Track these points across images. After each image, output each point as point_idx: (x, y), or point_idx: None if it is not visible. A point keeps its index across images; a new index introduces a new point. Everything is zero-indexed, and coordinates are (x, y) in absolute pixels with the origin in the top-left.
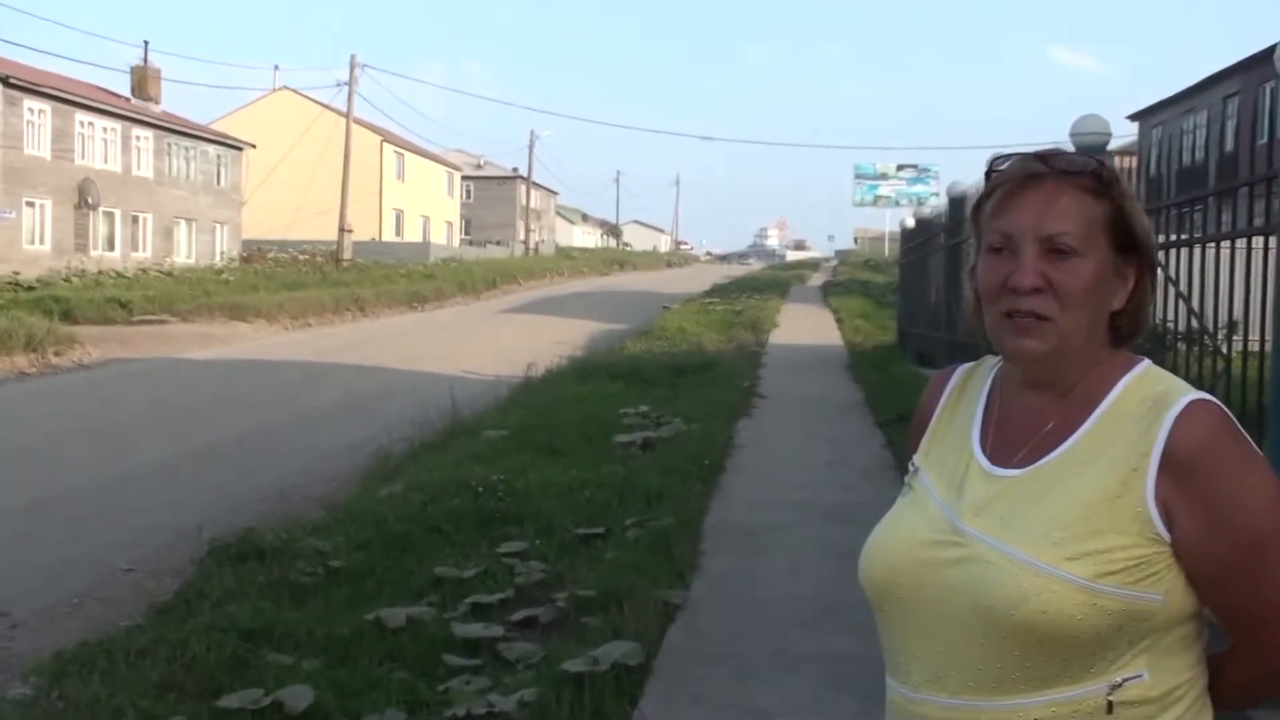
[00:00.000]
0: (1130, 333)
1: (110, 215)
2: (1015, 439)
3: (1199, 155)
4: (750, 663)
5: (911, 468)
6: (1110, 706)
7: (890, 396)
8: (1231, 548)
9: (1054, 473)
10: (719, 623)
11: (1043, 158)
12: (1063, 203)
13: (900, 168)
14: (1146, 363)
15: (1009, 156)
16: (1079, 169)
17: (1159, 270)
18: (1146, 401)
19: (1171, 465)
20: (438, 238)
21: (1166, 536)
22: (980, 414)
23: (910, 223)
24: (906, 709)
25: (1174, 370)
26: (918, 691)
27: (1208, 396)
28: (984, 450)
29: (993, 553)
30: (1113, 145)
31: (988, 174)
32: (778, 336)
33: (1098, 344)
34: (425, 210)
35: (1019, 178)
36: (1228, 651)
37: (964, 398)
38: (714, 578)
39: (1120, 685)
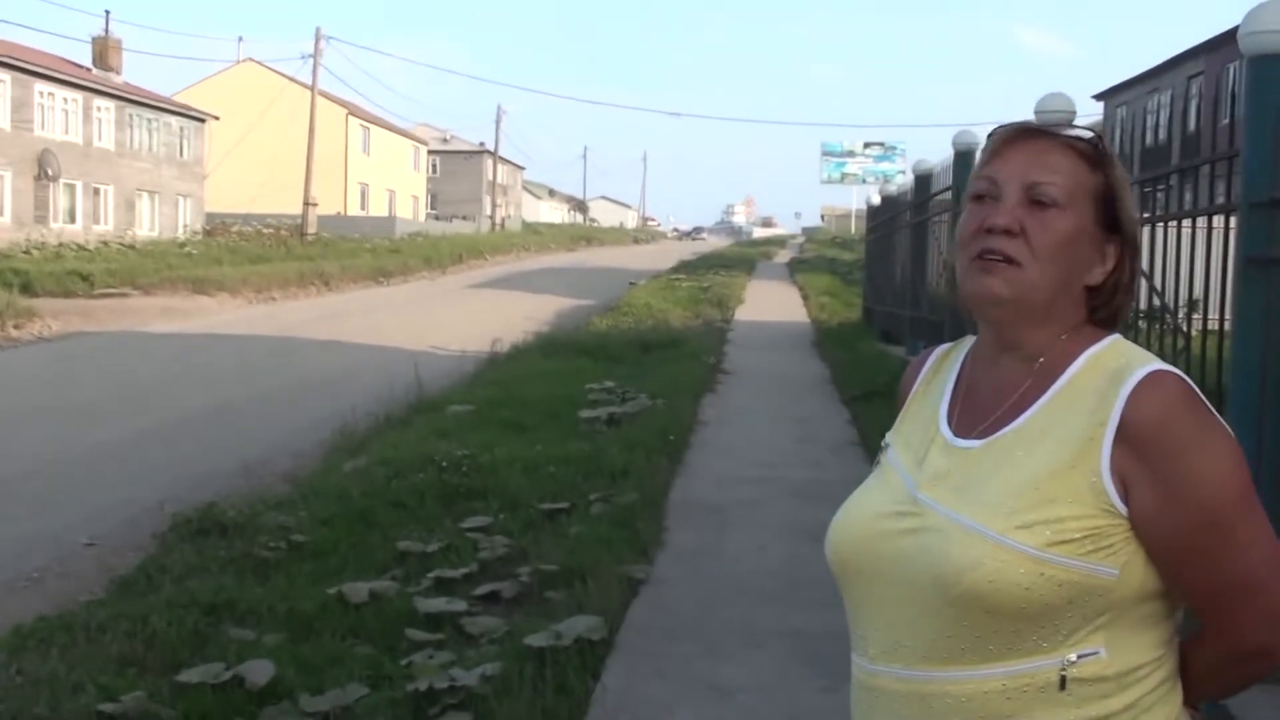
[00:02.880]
0: (1107, 317)
1: (71, 187)
2: (980, 411)
3: (1163, 135)
4: (715, 638)
5: (883, 445)
6: (1063, 682)
7: (856, 373)
8: (1189, 522)
9: (1012, 443)
10: (683, 598)
11: (1043, 125)
12: (1053, 158)
13: (867, 145)
14: (1115, 337)
15: (1010, 127)
16: (1076, 135)
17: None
18: (1107, 373)
19: (1127, 437)
20: (404, 212)
21: (1122, 509)
22: (950, 388)
23: (876, 200)
24: (866, 683)
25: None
26: (875, 663)
27: (1169, 368)
28: (950, 423)
29: (945, 521)
30: (1077, 124)
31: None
32: (744, 313)
33: (1066, 314)
34: (391, 184)
35: (1016, 131)
36: (1196, 635)
37: (938, 375)
38: (678, 553)
39: (1075, 661)
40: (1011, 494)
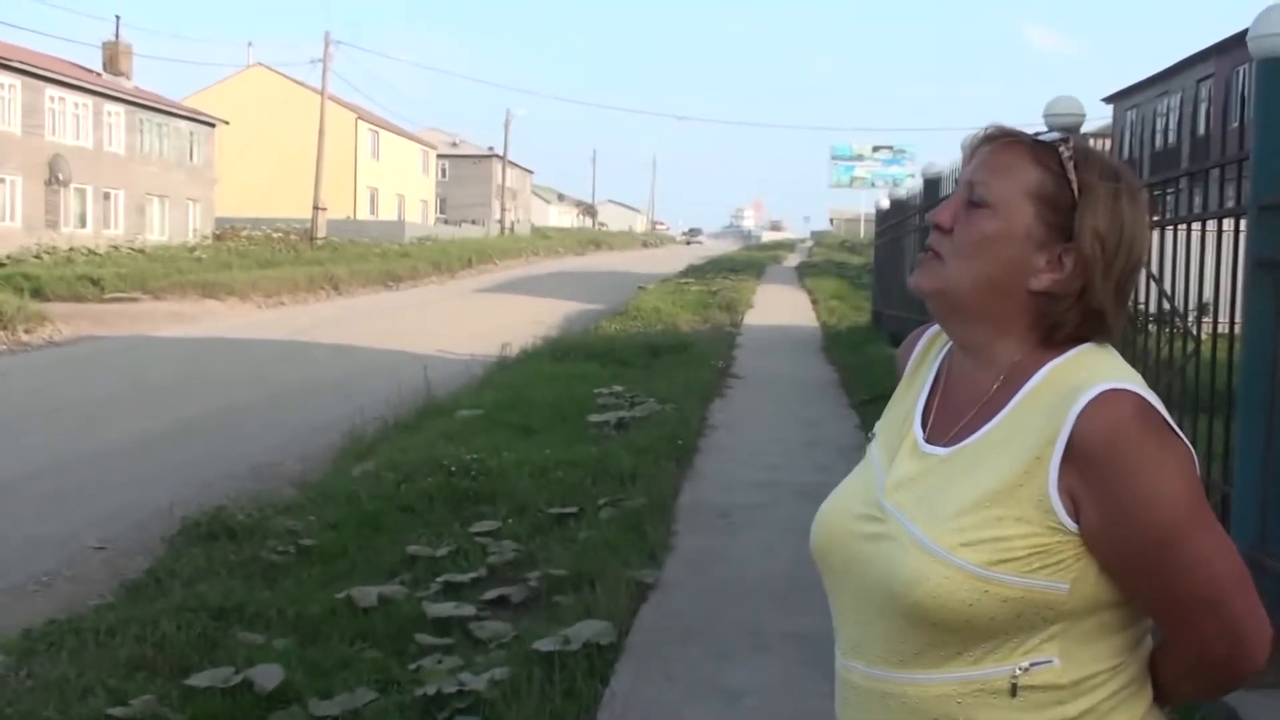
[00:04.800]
0: (1074, 330)
1: (82, 192)
2: (950, 416)
3: (1173, 138)
4: (723, 642)
5: (871, 434)
6: (1014, 689)
7: (864, 377)
8: (1139, 542)
9: (971, 455)
10: (691, 602)
11: (1009, 129)
12: (1004, 158)
13: (876, 149)
14: (1082, 348)
15: (981, 130)
16: (1038, 138)
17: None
18: (1063, 388)
19: (1075, 455)
20: (413, 216)
21: (1071, 526)
22: (930, 384)
23: (885, 204)
24: (840, 675)
25: (1143, 352)
26: (845, 658)
27: (1126, 385)
28: (924, 423)
29: (902, 532)
30: (1088, 127)
31: None
32: (753, 317)
33: (1009, 317)
34: (400, 189)
35: (986, 134)
36: (1161, 644)
37: (923, 364)
38: (687, 557)
39: (1027, 670)
40: (962, 509)
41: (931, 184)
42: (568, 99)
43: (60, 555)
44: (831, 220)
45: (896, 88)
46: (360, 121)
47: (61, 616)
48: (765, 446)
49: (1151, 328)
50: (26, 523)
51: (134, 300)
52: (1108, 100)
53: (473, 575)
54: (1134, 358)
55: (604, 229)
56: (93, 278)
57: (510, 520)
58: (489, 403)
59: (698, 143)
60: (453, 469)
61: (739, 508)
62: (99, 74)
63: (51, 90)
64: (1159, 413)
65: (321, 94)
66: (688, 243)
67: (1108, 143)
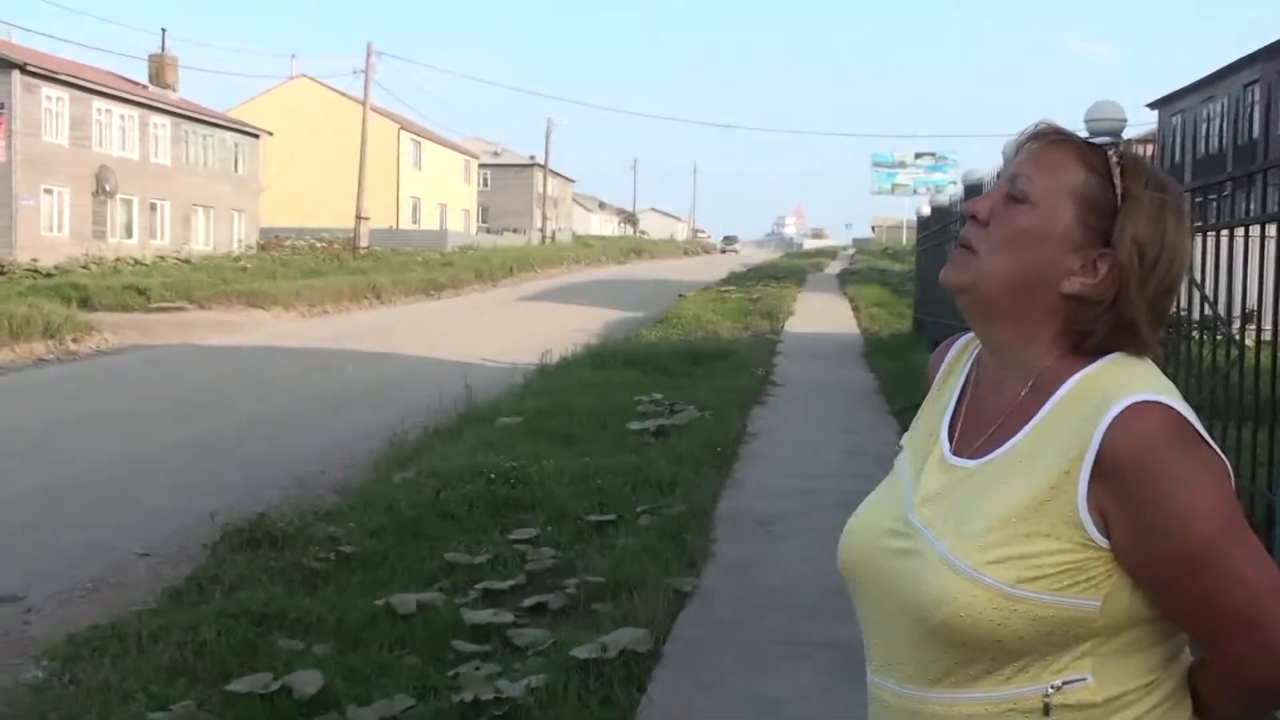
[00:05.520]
0: (1105, 339)
1: (128, 202)
2: (978, 426)
3: (1217, 143)
4: (760, 651)
5: (899, 447)
6: (1047, 709)
7: (906, 385)
8: (1171, 559)
9: (998, 469)
10: (730, 610)
11: (1059, 128)
12: (1045, 155)
13: (918, 155)
14: (1113, 357)
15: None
16: (1087, 140)
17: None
18: (1092, 399)
19: (1104, 470)
20: (455, 225)
21: (1103, 542)
22: (958, 393)
23: (926, 210)
24: (871, 692)
25: (1187, 360)
26: (876, 675)
27: (1157, 397)
28: (951, 434)
29: (929, 548)
30: (1133, 133)
31: None
32: (794, 324)
33: (1035, 320)
34: (442, 198)
35: (1030, 134)
36: (1199, 662)
37: (953, 373)
38: (726, 565)
39: (1060, 688)
40: (990, 526)
41: (972, 190)
42: (609, 107)
43: (105, 561)
44: (873, 227)
45: (939, 94)
46: (403, 131)
47: (105, 622)
48: (805, 454)
49: (1195, 335)
50: (73, 529)
51: (180, 310)
52: (1152, 106)
53: (511, 582)
54: (1178, 365)
55: (645, 237)
56: (139, 288)
57: (549, 527)
58: (529, 410)
59: (739, 150)
60: (492, 476)
61: (779, 516)
62: (145, 86)
63: (99, 103)
64: (1191, 425)
65: (364, 104)
66: (722, 251)
67: (1151, 148)
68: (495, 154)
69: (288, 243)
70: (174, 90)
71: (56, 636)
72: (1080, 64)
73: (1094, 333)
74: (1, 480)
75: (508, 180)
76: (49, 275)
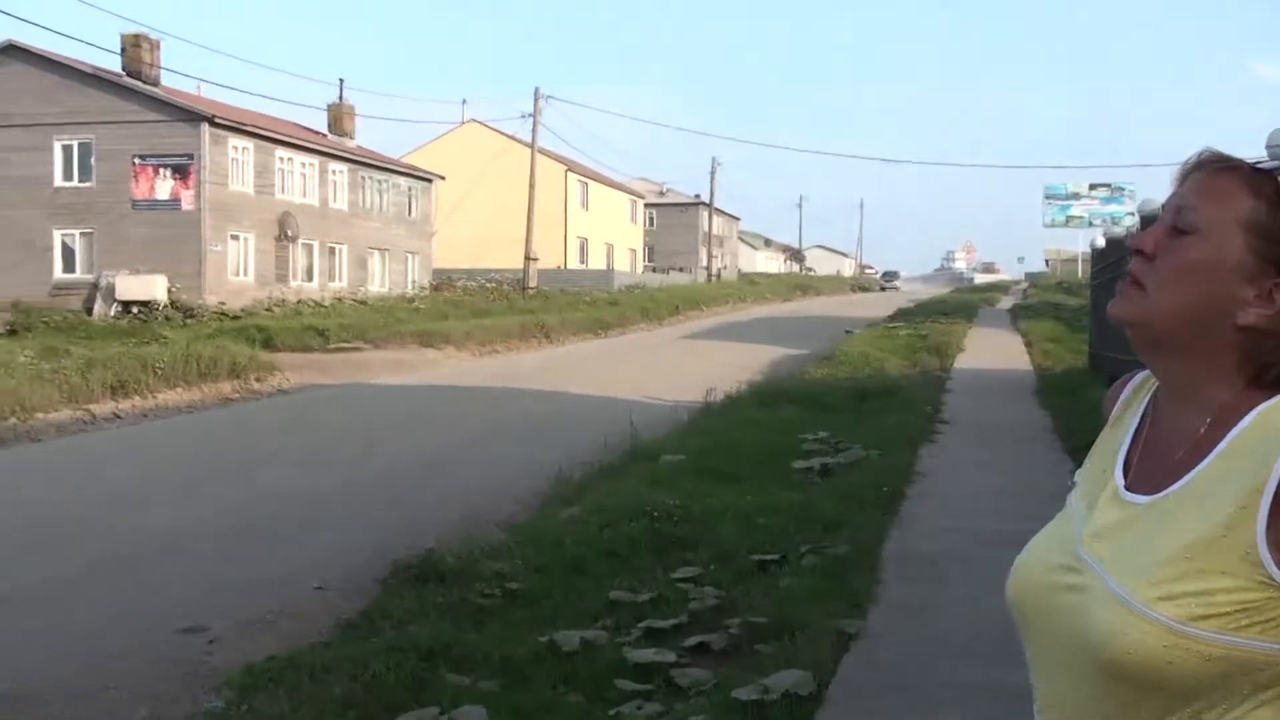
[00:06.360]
0: None
1: (309, 247)
2: (1153, 461)
3: None
4: (926, 695)
5: (1071, 482)
6: None
7: (1080, 422)
8: None
9: (1172, 505)
10: (895, 653)
11: (1223, 155)
12: (1210, 184)
13: (1093, 187)
14: None
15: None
16: (1238, 162)
17: None
18: (1272, 434)
19: None
20: (621, 265)
21: None
22: (1134, 428)
23: (1101, 243)
24: None
25: None
26: (1043, 715)
27: None
28: (1125, 470)
29: (1099, 583)
30: None
31: None
32: (964, 361)
33: (1212, 353)
34: (609, 237)
35: (1194, 163)
36: None
37: (1129, 409)
38: (892, 607)
39: None
40: (1162, 561)
41: (1149, 221)
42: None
43: (283, 595)
44: (1047, 261)
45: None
46: (570, 173)
47: (281, 653)
48: (975, 494)
49: None
50: (254, 563)
51: (356, 350)
52: None
53: (674, 621)
54: None
55: (811, 274)
56: (318, 328)
57: (712, 566)
58: (693, 448)
59: (906, 185)
60: (656, 514)
61: (947, 557)
62: (324, 135)
63: (281, 151)
64: None
65: (532, 148)
66: (882, 288)
67: None
68: (661, 193)
69: (459, 283)
70: (351, 138)
71: (236, 667)
72: (1264, 90)
73: (1275, 364)
74: (189, 514)
75: (673, 219)
76: (235, 318)
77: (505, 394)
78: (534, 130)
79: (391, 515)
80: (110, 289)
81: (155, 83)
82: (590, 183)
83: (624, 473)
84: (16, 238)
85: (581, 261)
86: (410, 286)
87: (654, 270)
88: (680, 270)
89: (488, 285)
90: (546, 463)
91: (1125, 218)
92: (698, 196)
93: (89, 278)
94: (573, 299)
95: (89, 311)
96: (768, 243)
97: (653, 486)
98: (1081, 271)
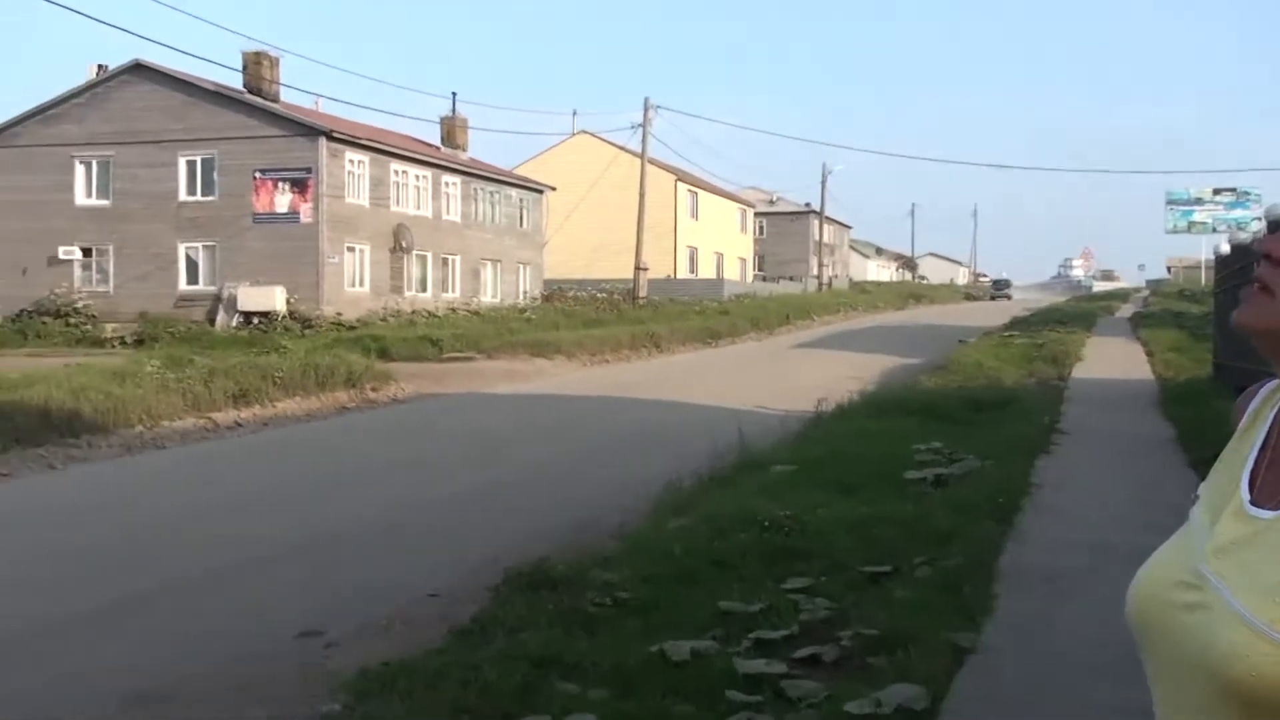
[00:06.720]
0: None
1: (422, 258)
2: None
3: None
4: (1042, 713)
5: (1194, 496)
6: None
7: (1204, 433)
8: None
9: None
10: (1012, 669)
11: None
12: None
13: (1217, 191)
14: None
15: None
16: None
17: None
18: None
19: None
20: (731, 274)
21: None
22: (1261, 440)
23: (1226, 249)
24: None
25: None
26: None
27: None
28: (1252, 484)
29: (1221, 603)
30: None
31: None
32: (1081, 370)
33: None
34: (719, 247)
35: None
36: None
37: (1258, 419)
38: (1008, 622)
39: None
40: None
41: (1276, 226)
42: (886, 152)
43: (399, 600)
44: (1169, 268)
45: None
46: (679, 183)
47: (395, 659)
48: (1094, 507)
49: None
50: (370, 569)
51: (469, 359)
52: None
53: (784, 633)
54: None
55: (924, 282)
56: (432, 339)
57: (824, 578)
58: (804, 458)
59: (1021, 191)
60: (766, 524)
61: (1065, 571)
62: (438, 148)
63: (395, 164)
64: None
65: (642, 158)
66: (992, 297)
67: None
68: (771, 202)
69: (570, 294)
70: (464, 150)
71: (351, 671)
72: None
73: None
74: (308, 521)
75: (783, 228)
76: (351, 328)
77: (616, 403)
78: (644, 141)
79: (506, 523)
80: (232, 300)
81: (275, 99)
82: (700, 192)
83: (734, 482)
84: (145, 251)
85: (691, 271)
86: (522, 297)
87: (764, 279)
88: (790, 279)
89: (598, 295)
90: (657, 472)
91: (1251, 223)
92: (808, 205)
93: (211, 289)
94: (683, 308)
95: (211, 322)
96: (879, 251)
97: (763, 496)
98: (1205, 278)
